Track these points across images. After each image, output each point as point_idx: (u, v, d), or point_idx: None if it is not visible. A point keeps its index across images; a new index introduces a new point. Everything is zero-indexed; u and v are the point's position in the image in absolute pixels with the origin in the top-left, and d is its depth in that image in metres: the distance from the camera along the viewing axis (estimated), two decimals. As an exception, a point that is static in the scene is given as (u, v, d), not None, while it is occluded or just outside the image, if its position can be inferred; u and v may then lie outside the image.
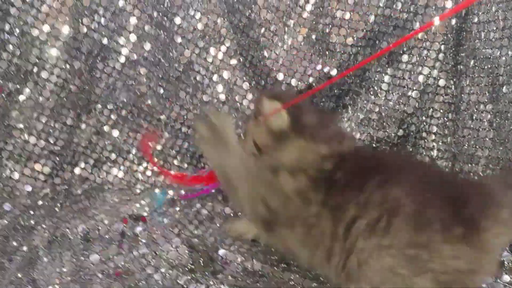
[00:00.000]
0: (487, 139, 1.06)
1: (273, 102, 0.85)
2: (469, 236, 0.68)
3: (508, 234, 0.71)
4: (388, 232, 0.70)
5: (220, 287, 0.83)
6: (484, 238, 0.69)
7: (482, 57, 1.09)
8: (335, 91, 1.26)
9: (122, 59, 1.23)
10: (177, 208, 1.13)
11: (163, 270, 0.87)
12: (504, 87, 1.03)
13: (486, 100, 1.08)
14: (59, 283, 0.82)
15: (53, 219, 1.03)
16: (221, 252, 0.93)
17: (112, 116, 1.25)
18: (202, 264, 0.89)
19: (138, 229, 0.94)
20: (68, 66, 1.19)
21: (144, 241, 0.92)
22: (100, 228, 0.96)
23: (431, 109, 1.20)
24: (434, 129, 1.21)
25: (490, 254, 0.71)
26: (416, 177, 0.75)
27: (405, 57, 1.20)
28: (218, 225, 1.05)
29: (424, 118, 1.21)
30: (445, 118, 1.19)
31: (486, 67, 1.08)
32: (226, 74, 1.28)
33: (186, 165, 1.28)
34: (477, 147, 1.08)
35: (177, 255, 0.90)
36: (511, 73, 1.01)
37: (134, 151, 1.26)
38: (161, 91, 1.26)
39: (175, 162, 1.28)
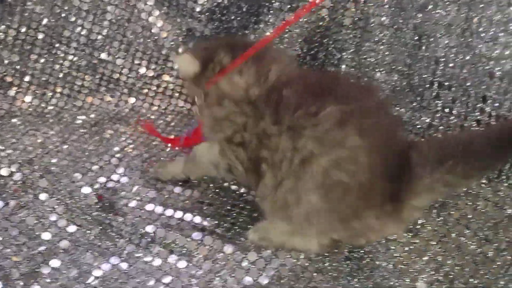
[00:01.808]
0: (385, 63, 1.08)
1: (181, 55, 0.91)
2: (394, 212, 0.75)
3: (420, 210, 0.78)
4: (337, 189, 0.73)
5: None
6: (404, 213, 0.75)
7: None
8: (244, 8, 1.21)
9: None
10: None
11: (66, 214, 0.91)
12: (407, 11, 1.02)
13: (388, 23, 1.07)
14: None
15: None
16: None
17: (8, 39, 1.18)
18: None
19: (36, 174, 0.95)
20: None
21: (46, 186, 0.94)
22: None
23: (341, 26, 1.18)
24: (346, 44, 1.20)
25: (403, 225, 0.79)
26: (375, 129, 0.74)
27: (314, -29, 1.14)
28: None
29: (334, 35, 1.20)
30: (353, 35, 1.18)
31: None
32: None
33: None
34: (376, 69, 1.10)
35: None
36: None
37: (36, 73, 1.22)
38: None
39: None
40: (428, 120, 0.91)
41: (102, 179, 0.99)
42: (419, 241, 0.85)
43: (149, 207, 0.93)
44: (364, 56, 1.13)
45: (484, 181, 0.76)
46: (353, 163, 0.72)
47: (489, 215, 0.75)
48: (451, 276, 0.78)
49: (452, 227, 0.82)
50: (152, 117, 1.24)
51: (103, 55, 1.23)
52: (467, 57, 0.83)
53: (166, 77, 1.26)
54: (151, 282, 0.79)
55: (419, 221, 0.87)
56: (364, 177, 0.72)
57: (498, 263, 0.72)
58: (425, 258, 0.83)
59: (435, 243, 0.83)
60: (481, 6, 0.81)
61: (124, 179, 1.00)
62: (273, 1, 1.19)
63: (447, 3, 0.88)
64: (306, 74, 0.97)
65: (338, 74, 1.12)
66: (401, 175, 0.73)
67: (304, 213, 0.77)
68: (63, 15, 1.19)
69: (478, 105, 0.82)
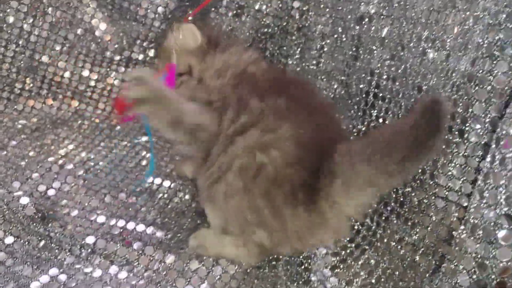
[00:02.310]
0: (326, 71, 1.11)
1: (184, 25, 0.99)
2: (308, 203, 0.73)
3: (344, 205, 0.73)
4: (256, 177, 0.75)
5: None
6: (321, 205, 0.73)
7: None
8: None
9: None
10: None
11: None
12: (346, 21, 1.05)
13: (329, 32, 1.10)
14: None
15: None
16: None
17: None
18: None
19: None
20: None
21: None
22: None
23: (287, 33, 1.21)
24: (291, 51, 1.22)
25: (328, 220, 0.75)
26: (313, 126, 0.77)
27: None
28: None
29: (279, 41, 1.22)
30: (297, 42, 1.21)
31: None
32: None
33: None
34: (317, 77, 1.13)
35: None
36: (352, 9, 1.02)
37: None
38: None
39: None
40: (364, 129, 0.95)
41: (42, 187, 0.98)
42: (355, 245, 0.89)
43: (91, 216, 0.92)
44: (307, 64, 1.16)
45: (408, 189, 0.80)
46: (277, 148, 0.75)
47: (415, 221, 0.79)
48: (383, 280, 0.83)
49: (383, 233, 0.86)
50: (97, 120, 1.22)
51: (44, 58, 1.20)
52: (399, 71, 0.87)
53: (110, 80, 1.24)
54: (91, 294, 0.79)
55: (355, 227, 0.92)
56: (283, 165, 0.74)
57: (423, 267, 0.77)
58: (360, 262, 0.87)
59: (368, 247, 0.87)
60: (412, 22, 0.85)
61: (66, 187, 0.99)
62: (219, 6, 1.20)
63: (382, 17, 0.91)
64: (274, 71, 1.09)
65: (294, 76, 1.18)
66: (324, 173, 0.71)
67: (223, 190, 0.79)
68: (0, 15, 1.14)
69: (408, 117, 0.85)
